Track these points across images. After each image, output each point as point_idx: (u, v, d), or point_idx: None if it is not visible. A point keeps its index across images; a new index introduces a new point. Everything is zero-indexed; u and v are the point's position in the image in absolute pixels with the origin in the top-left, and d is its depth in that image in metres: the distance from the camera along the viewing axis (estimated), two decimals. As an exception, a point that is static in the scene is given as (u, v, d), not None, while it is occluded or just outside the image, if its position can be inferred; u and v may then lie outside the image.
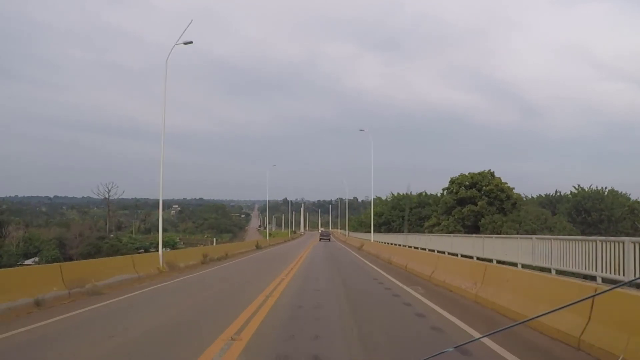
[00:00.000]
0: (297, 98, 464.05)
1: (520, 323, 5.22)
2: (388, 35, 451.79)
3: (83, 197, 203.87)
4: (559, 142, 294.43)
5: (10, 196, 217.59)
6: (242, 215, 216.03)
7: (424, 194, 58.48)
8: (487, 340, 6.33)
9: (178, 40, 19.55)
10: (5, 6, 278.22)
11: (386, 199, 65.44)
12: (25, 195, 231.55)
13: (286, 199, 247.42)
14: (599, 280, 9.90)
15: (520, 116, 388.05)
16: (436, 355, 2.54)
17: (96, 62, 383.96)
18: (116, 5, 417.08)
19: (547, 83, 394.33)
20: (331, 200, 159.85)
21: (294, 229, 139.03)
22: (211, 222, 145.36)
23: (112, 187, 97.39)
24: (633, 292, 6.12)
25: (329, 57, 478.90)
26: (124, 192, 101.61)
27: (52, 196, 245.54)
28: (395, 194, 61.06)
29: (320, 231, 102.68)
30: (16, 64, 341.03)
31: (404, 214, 54.48)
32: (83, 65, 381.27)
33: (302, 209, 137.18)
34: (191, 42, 19.87)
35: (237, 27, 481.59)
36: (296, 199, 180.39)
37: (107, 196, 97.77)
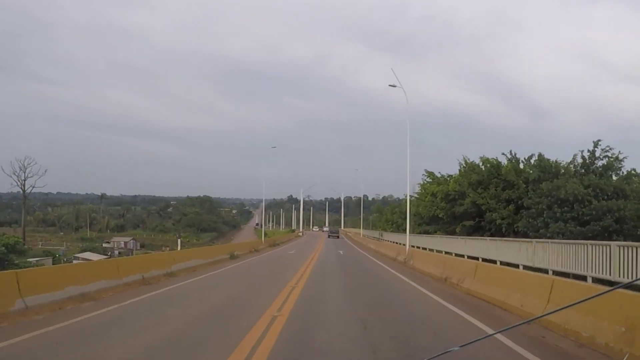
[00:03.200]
0: (304, 97, 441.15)
1: (527, 322, 6.11)
2: (396, 37, 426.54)
3: (86, 193, 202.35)
4: (566, 145, 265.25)
5: (11, 192, 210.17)
6: (234, 211, 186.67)
7: (538, 157, 27.87)
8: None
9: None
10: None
11: (442, 177, 35.41)
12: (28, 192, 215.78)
13: (291, 196, 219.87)
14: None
15: (529, 119, 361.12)
16: (442, 354, 2.65)
17: (100, 60, 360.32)
18: (122, 4, 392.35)
19: (556, 85, 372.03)
20: (339, 198, 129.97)
21: (293, 227, 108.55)
22: (190, 219, 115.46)
23: (29, 164, 68.23)
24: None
25: (337, 58, 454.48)
26: (46, 171, 72.03)
27: (55, 192, 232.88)
28: (470, 162, 30.57)
29: (327, 229, 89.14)
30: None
31: (511, 195, 24.56)
32: (85, 63, 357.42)
33: (301, 205, 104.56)
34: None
35: (244, 27, 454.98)
36: (303, 197, 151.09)
37: (22, 178, 68.73)
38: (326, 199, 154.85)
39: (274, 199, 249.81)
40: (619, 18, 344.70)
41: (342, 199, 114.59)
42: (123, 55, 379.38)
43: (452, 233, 27.32)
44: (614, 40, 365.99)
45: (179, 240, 70.93)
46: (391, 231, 42.16)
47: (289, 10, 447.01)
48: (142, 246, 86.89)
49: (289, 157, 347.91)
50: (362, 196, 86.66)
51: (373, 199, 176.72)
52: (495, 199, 25.04)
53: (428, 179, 37.66)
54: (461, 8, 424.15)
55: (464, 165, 30.40)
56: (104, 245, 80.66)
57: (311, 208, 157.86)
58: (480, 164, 29.33)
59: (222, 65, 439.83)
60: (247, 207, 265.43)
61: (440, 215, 28.46)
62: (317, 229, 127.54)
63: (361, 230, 62.23)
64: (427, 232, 28.49)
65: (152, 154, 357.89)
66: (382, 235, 43.78)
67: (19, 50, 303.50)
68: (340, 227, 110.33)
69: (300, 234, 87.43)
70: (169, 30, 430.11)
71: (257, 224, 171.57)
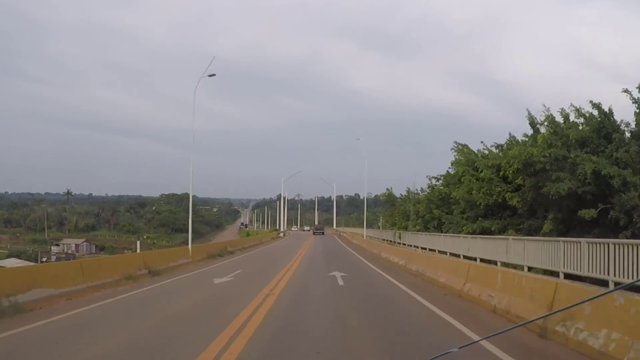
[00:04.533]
0: (296, 97, 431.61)
1: (520, 325, 5.61)
2: (389, 37, 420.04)
3: (63, 193, 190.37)
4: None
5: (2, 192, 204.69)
6: (214, 209, 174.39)
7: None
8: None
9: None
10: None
11: (487, 150, 23.70)
12: (16, 192, 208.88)
13: (281, 195, 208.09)
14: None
15: (520, 118, 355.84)
16: (441, 355, 2.57)
17: (95, 60, 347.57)
18: (115, 4, 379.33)
19: (548, 84, 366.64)
20: (330, 197, 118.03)
21: (277, 226, 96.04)
22: (164, 218, 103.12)
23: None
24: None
25: (330, 58, 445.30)
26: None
27: (42, 193, 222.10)
28: (548, 114, 17.94)
29: (308, 228, 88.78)
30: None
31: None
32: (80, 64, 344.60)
33: (283, 199, 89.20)
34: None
35: (236, 27, 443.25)
36: (293, 197, 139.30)
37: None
38: (316, 197, 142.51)
39: (263, 198, 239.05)
40: (615, 18, 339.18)
41: (334, 192, 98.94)
42: (114, 54, 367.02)
43: (535, 231, 15.50)
44: (608, 40, 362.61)
45: (137, 243, 58.75)
46: (417, 230, 26.07)
47: (281, 10, 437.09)
48: (101, 249, 74.28)
49: (282, 157, 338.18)
50: (365, 182, 74.08)
51: (364, 197, 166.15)
52: (626, 168, 13.32)
53: (460, 157, 25.84)
54: (454, 8, 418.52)
55: (548, 121, 17.83)
56: (52, 248, 67.95)
57: (299, 205, 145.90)
58: (562, 120, 17.44)
59: (216, 65, 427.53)
60: (235, 207, 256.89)
61: (512, 203, 16.51)
62: (296, 228, 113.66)
63: (364, 230, 45.55)
64: (487, 232, 16.62)
65: (138, 154, 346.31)
66: (399, 238, 28.94)
67: (10, 49, 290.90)
68: (333, 226, 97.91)
69: (282, 234, 72.77)
70: (161, 29, 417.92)
71: (242, 224, 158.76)
